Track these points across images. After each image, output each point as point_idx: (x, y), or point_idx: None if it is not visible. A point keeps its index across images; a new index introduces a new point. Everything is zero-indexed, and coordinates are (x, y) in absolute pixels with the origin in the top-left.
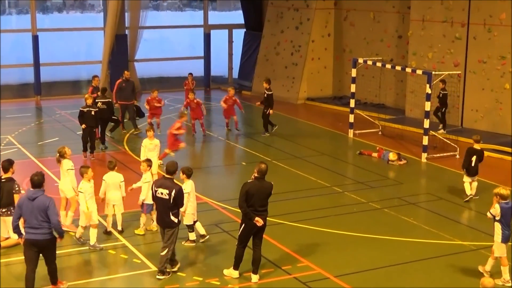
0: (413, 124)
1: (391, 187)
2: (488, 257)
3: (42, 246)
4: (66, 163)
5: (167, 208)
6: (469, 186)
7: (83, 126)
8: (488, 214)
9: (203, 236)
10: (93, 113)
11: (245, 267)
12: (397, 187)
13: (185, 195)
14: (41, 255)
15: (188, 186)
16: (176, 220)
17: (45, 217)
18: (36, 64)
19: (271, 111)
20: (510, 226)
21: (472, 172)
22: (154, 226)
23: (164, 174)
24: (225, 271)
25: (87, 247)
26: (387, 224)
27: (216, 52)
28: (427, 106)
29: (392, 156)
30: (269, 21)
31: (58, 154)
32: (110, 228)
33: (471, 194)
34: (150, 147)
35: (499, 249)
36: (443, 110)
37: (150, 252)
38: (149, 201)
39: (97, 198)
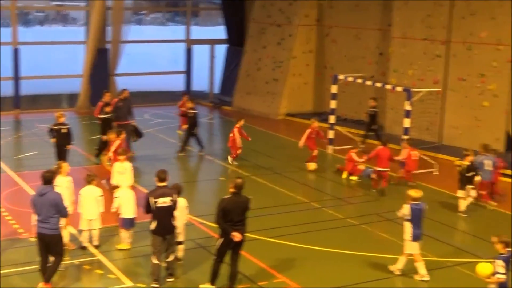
0: (392, 140)
1: (369, 203)
2: (464, 274)
3: (48, 240)
4: (62, 180)
5: (172, 215)
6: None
7: (53, 140)
8: (398, 213)
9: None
10: (63, 131)
11: (221, 282)
12: (375, 203)
13: (186, 209)
14: None
15: (182, 201)
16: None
17: (52, 212)
18: (16, 78)
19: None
20: (420, 226)
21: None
22: (127, 244)
23: (158, 184)
24: (202, 286)
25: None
26: (365, 240)
27: (198, 67)
28: (406, 122)
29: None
30: (251, 36)
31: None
32: (85, 243)
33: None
34: (120, 170)
35: (409, 246)
36: (372, 128)
37: (126, 267)
38: (128, 215)
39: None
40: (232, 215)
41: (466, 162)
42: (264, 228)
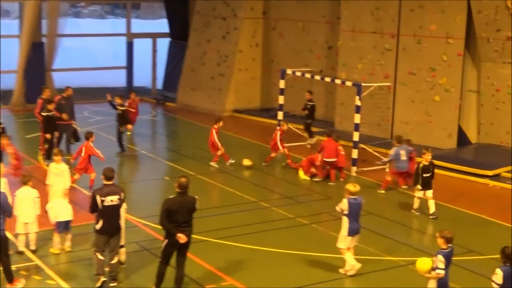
0: (343, 137)
1: (319, 201)
2: (415, 271)
3: None
4: (26, 191)
5: (118, 214)
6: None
7: None
8: (337, 208)
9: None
10: None
11: (167, 286)
12: (325, 201)
13: (124, 211)
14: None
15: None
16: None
17: None
18: None
19: (128, 127)
20: (358, 220)
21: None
22: (68, 246)
23: (105, 183)
24: None
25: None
26: (316, 240)
27: (140, 62)
28: (357, 118)
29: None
30: (195, 30)
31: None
32: (22, 248)
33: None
34: (56, 172)
35: (343, 241)
36: (309, 122)
37: (65, 272)
38: (62, 218)
39: None
40: (177, 215)
41: (423, 161)
42: (211, 229)
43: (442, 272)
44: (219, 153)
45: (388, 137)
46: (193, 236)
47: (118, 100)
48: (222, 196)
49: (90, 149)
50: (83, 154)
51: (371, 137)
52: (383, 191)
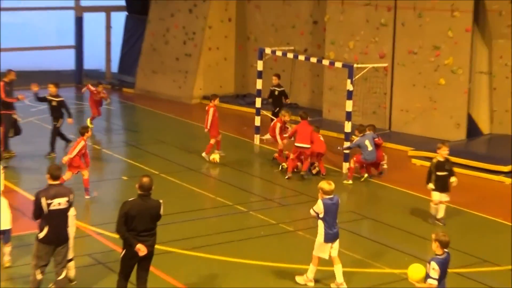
0: (332, 127)
1: (305, 204)
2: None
3: None
4: None
5: (66, 219)
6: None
7: None
8: (311, 211)
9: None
10: None
11: None
12: (313, 204)
13: (73, 218)
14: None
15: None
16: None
17: None
18: None
19: (68, 121)
20: (335, 224)
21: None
22: (8, 261)
23: (51, 183)
24: None
25: None
26: (302, 250)
27: (91, 40)
28: (348, 105)
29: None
30: (156, 2)
31: None
32: None
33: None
34: None
35: (319, 248)
36: (275, 111)
37: None
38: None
39: None
40: (136, 222)
41: (438, 157)
42: (179, 238)
43: (434, 282)
44: (212, 141)
45: (385, 127)
46: (156, 246)
47: (51, 89)
48: (192, 198)
49: (85, 147)
50: (76, 152)
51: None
52: (350, 182)
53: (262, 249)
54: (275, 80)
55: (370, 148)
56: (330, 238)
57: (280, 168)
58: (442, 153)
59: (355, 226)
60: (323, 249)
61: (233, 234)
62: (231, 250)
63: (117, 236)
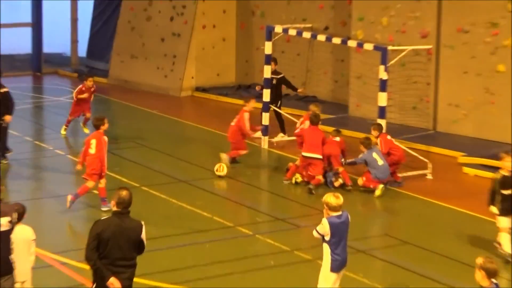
0: (360, 127)
1: None
2: None
3: None
4: None
5: (9, 245)
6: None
7: None
8: (314, 233)
9: None
10: None
11: None
12: None
13: (32, 243)
14: None
15: (27, 231)
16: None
17: None
18: None
19: (6, 118)
20: (345, 248)
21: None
22: None
23: None
24: None
25: None
26: None
27: (52, 17)
28: (382, 99)
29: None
30: None
31: None
32: None
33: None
34: None
35: (326, 280)
36: (277, 105)
37: None
38: None
39: None
40: (111, 247)
41: (502, 171)
42: (165, 270)
43: None
44: (242, 152)
45: (429, 127)
46: (136, 280)
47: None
48: (182, 218)
49: (104, 142)
50: (94, 150)
51: (404, 127)
52: (378, 193)
53: (272, 283)
54: (272, 65)
55: (380, 162)
56: (338, 266)
57: (294, 181)
58: (507, 166)
59: (391, 254)
60: (330, 280)
61: (234, 264)
62: (233, 284)
63: (86, 266)
